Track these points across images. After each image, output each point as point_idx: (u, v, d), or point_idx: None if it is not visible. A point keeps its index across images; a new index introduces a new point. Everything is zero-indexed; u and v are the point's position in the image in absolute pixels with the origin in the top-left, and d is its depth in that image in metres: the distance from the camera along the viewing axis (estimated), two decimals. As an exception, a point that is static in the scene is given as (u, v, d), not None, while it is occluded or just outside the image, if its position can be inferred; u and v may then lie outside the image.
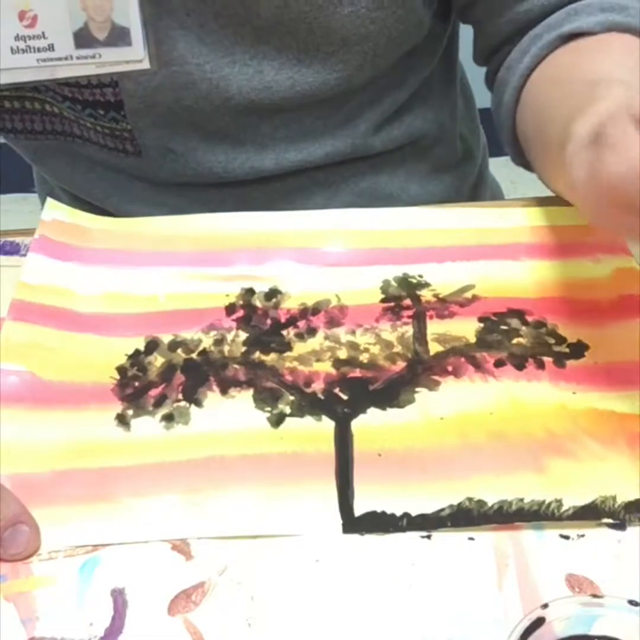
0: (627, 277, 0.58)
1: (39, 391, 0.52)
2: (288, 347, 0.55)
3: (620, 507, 0.45)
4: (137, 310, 0.58)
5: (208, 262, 0.60)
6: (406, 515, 0.45)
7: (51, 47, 0.57)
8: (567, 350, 0.54)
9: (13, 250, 0.62)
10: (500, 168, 0.84)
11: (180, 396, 0.52)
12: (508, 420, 0.50)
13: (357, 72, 0.65)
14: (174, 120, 0.65)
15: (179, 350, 0.55)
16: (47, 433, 0.50)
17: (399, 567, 0.43)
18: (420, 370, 0.53)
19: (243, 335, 0.56)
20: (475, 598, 0.42)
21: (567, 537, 0.44)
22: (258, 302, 0.58)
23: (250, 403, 0.51)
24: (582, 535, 0.44)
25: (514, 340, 0.55)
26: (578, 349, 0.54)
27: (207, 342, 0.55)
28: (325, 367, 0.54)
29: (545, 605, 0.35)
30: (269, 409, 0.51)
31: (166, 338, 0.56)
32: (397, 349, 0.55)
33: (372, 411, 0.51)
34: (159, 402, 0.52)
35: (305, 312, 0.57)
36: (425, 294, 0.58)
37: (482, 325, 0.56)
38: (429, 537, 0.44)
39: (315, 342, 0.55)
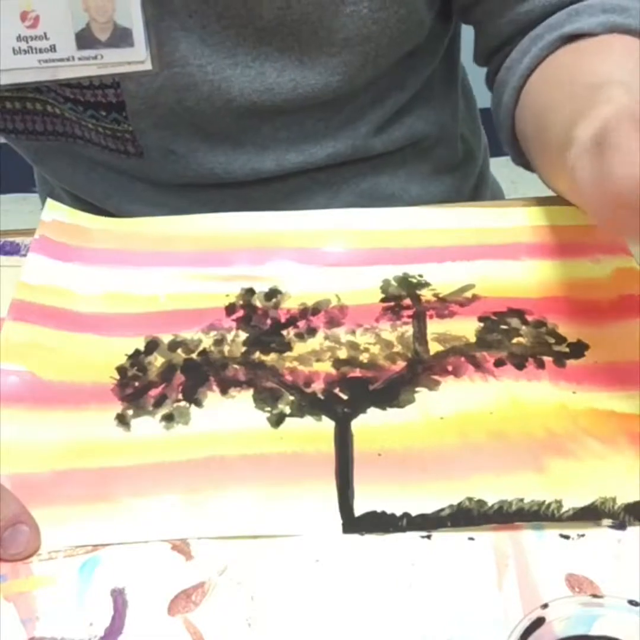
0: (627, 277, 0.58)
1: (39, 391, 0.52)
2: (288, 347, 0.55)
3: (620, 508, 0.44)
4: (137, 310, 0.58)
5: (208, 262, 0.60)
6: (406, 515, 0.45)
7: (53, 48, 0.57)
8: (567, 349, 0.54)
9: (13, 250, 0.62)
10: (501, 168, 0.84)
11: (180, 396, 0.52)
12: (508, 419, 0.50)
13: (358, 73, 0.65)
14: (176, 122, 0.65)
15: (179, 350, 0.55)
16: (47, 433, 0.50)
17: (399, 567, 0.43)
18: (420, 370, 0.53)
19: (243, 335, 0.56)
20: (475, 598, 0.42)
21: (567, 537, 0.44)
22: (258, 302, 0.58)
23: (250, 403, 0.51)
24: (582, 535, 0.44)
25: (514, 340, 0.55)
26: (578, 349, 0.54)
27: (207, 342, 0.55)
28: (325, 367, 0.54)
29: (545, 605, 0.35)
30: (269, 409, 0.51)
31: (166, 338, 0.56)
32: (397, 348, 0.55)
33: (372, 411, 0.51)
34: (159, 402, 0.52)
35: (305, 312, 0.57)
36: (425, 294, 0.58)
37: (482, 324, 0.56)
38: (429, 537, 0.44)
39: (315, 342, 0.55)
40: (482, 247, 0.61)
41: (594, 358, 0.53)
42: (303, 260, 0.60)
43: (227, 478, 0.47)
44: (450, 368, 0.53)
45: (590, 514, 0.44)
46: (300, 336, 0.56)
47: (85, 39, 0.56)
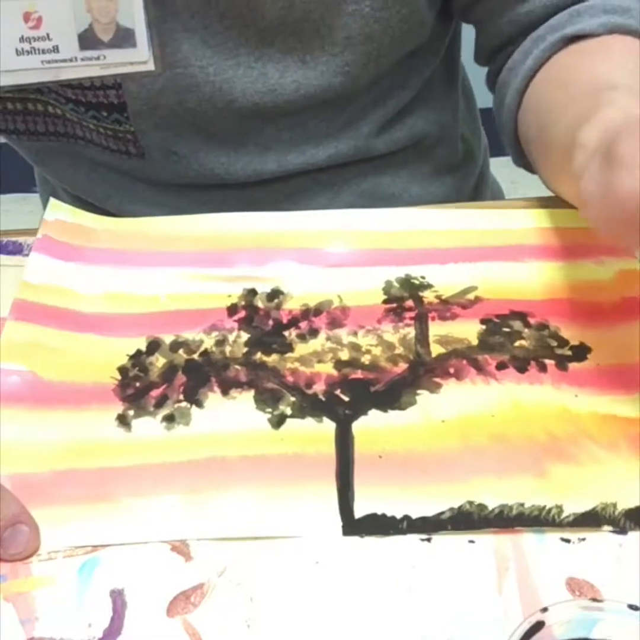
0: (630, 279, 0.58)
1: (39, 391, 0.52)
2: (289, 348, 0.55)
3: (620, 514, 0.44)
4: (138, 310, 0.58)
5: (210, 263, 0.60)
6: (406, 517, 0.45)
7: (56, 49, 0.57)
8: (569, 352, 0.54)
9: (16, 250, 0.62)
10: (501, 168, 0.84)
11: (181, 397, 0.52)
12: (510, 422, 0.50)
13: (361, 73, 0.65)
14: (177, 123, 0.65)
15: (181, 351, 0.55)
16: (47, 433, 0.50)
17: (399, 569, 0.43)
18: (422, 372, 0.53)
19: (245, 336, 0.56)
20: (475, 601, 0.41)
21: (567, 541, 0.44)
22: (260, 303, 0.58)
23: (251, 404, 0.51)
24: (583, 539, 0.44)
25: (516, 343, 0.54)
26: (580, 352, 0.54)
27: (208, 342, 0.55)
28: (327, 368, 0.53)
29: (544, 609, 0.35)
30: (269, 410, 0.51)
31: (168, 338, 0.56)
32: (399, 350, 0.54)
33: (373, 413, 0.51)
34: (160, 402, 0.52)
35: (307, 313, 0.57)
36: (428, 296, 0.58)
37: (484, 327, 0.56)
38: (429, 539, 0.44)
39: (316, 343, 0.55)
40: (485, 248, 0.61)
41: (597, 361, 0.53)
42: (305, 260, 0.60)
43: (227, 479, 0.47)
44: (452, 370, 0.53)
45: (590, 520, 0.44)
46: (301, 337, 0.56)
47: (88, 40, 0.56)
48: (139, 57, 0.57)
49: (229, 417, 0.51)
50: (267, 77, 0.63)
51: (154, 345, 0.55)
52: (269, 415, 0.51)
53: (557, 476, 0.46)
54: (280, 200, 0.70)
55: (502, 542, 0.44)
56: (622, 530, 0.44)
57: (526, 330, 0.55)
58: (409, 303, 0.57)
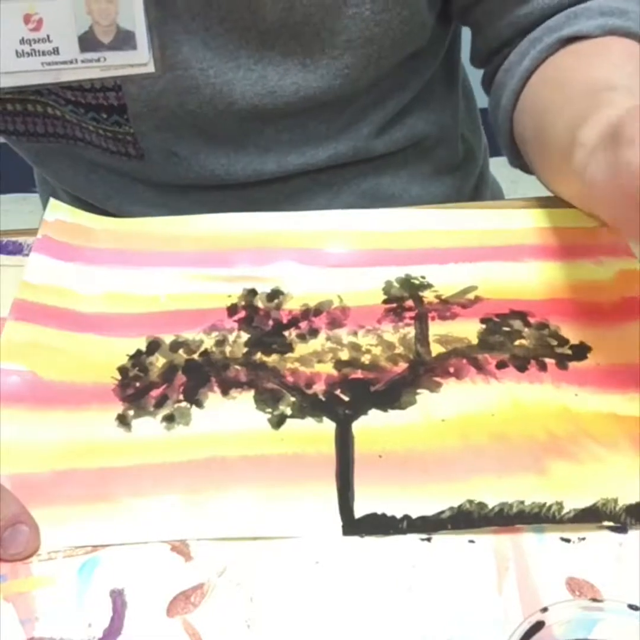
0: (630, 279, 0.58)
1: (39, 391, 0.52)
2: (289, 348, 0.55)
3: (621, 510, 0.44)
4: (138, 310, 0.58)
5: (210, 263, 0.60)
6: (406, 517, 0.45)
7: (56, 51, 0.57)
8: (569, 352, 0.54)
9: (16, 250, 0.62)
10: (501, 168, 0.84)
11: (181, 397, 0.52)
12: (510, 422, 0.50)
13: (361, 75, 0.65)
14: (177, 124, 0.65)
15: (181, 351, 0.55)
16: (47, 433, 0.50)
17: (399, 569, 0.43)
18: (422, 371, 0.53)
19: (245, 336, 0.56)
20: (475, 601, 0.41)
21: (568, 540, 0.44)
22: (260, 303, 0.58)
23: (251, 404, 0.51)
24: (583, 538, 0.44)
25: (516, 342, 0.54)
26: (580, 351, 0.54)
27: (208, 342, 0.55)
28: (327, 368, 0.53)
29: (544, 609, 0.35)
30: (269, 410, 0.51)
31: (168, 338, 0.56)
32: (399, 350, 0.54)
33: (373, 412, 0.51)
34: (160, 402, 0.52)
35: (307, 313, 0.57)
36: (428, 295, 0.58)
37: (484, 326, 0.56)
38: (429, 539, 0.44)
39: (316, 343, 0.55)
40: (485, 248, 0.61)
41: (597, 360, 0.53)
42: (305, 261, 0.60)
43: (227, 479, 0.47)
44: (452, 370, 0.53)
45: (591, 516, 0.44)
46: (302, 337, 0.56)
47: (88, 42, 0.56)
48: (139, 59, 0.57)
49: (229, 417, 0.51)
50: (267, 79, 0.63)
51: (154, 345, 0.55)
52: (269, 415, 0.51)
53: (557, 474, 0.46)
54: (280, 201, 0.70)
55: (502, 542, 0.44)
56: (622, 526, 0.44)
57: (526, 329, 0.55)
58: (409, 303, 0.57)
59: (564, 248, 0.60)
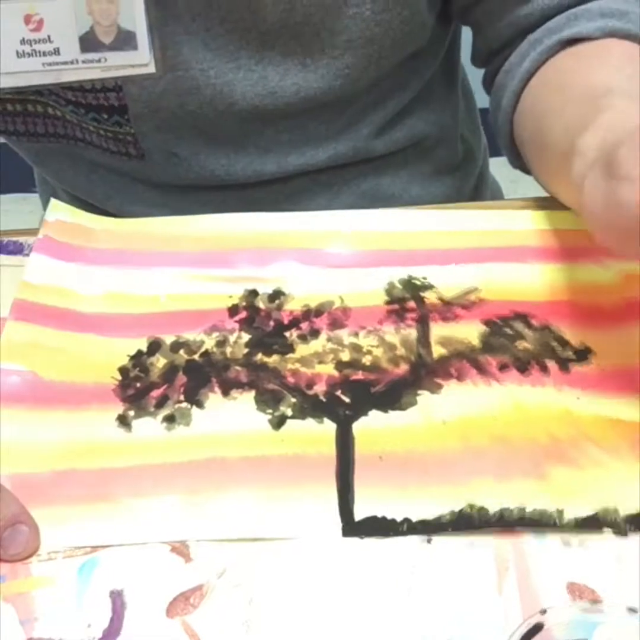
0: (633, 281, 0.57)
1: (40, 391, 0.52)
2: (290, 348, 0.55)
3: (622, 519, 0.44)
4: (139, 310, 0.57)
5: (211, 263, 0.60)
6: (406, 520, 0.45)
7: (57, 51, 0.56)
8: (572, 354, 0.54)
9: (16, 250, 0.62)
10: (500, 168, 0.84)
11: (181, 397, 0.52)
12: (511, 424, 0.49)
13: (361, 76, 0.65)
14: (178, 125, 0.65)
15: (181, 351, 0.55)
16: (47, 433, 0.50)
17: (398, 571, 0.43)
18: (423, 373, 0.53)
19: (245, 337, 0.56)
20: (475, 603, 0.41)
21: (568, 544, 0.43)
22: (261, 304, 0.58)
23: (251, 405, 0.51)
24: (583, 542, 0.43)
25: (519, 344, 0.54)
26: (583, 354, 0.54)
27: (209, 343, 0.55)
28: (328, 369, 0.53)
29: (543, 611, 0.35)
30: (270, 410, 0.51)
31: (168, 339, 0.55)
32: (400, 351, 0.54)
33: (374, 414, 0.50)
34: (161, 403, 0.52)
35: (308, 314, 0.57)
36: (430, 296, 0.58)
37: (486, 328, 0.55)
38: (429, 541, 0.44)
39: (317, 344, 0.55)
40: (487, 249, 0.61)
41: (599, 363, 0.53)
42: (306, 261, 0.60)
43: (227, 480, 0.47)
44: (453, 372, 0.53)
45: (592, 524, 0.44)
46: (302, 338, 0.56)
47: (89, 42, 0.56)
48: (140, 60, 0.57)
49: (229, 418, 0.51)
50: (267, 80, 0.63)
51: (154, 346, 0.55)
52: (270, 416, 0.51)
53: (558, 479, 0.46)
54: (280, 201, 0.69)
55: (502, 544, 0.44)
56: (623, 534, 0.44)
57: (528, 331, 0.55)
58: (411, 304, 0.57)
59: (566, 250, 0.60)
